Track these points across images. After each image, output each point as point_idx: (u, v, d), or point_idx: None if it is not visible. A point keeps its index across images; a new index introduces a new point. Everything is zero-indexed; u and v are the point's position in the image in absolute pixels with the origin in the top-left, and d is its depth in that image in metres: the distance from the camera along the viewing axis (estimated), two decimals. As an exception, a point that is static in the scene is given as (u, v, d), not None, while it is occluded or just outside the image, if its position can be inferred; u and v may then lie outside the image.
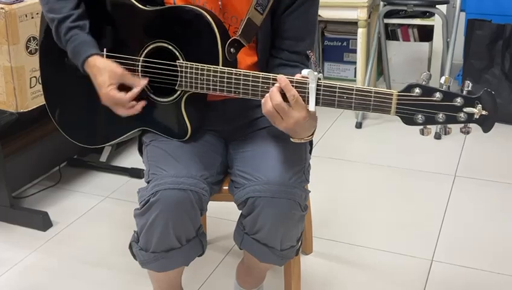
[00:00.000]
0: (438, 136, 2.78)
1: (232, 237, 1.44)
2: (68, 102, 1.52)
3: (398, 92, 1.13)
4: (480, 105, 1.09)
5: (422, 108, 1.12)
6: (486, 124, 1.11)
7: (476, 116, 1.10)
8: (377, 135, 2.90)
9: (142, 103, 1.36)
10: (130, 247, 1.39)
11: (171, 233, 1.27)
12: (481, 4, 3.13)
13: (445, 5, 3.07)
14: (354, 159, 2.67)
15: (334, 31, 3.52)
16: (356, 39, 3.08)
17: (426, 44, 3.35)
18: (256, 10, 1.31)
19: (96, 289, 1.86)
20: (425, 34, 3.37)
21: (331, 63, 3.54)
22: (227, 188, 1.42)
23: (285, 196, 1.28)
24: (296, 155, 1.37)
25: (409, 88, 1.12)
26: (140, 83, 1.34)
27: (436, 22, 3.21)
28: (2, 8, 1.92)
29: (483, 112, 1.09)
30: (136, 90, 1.33)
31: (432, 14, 3.21)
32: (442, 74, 3.16)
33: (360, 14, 2.95)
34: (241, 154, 1.40)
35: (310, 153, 1.49)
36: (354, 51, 3.29)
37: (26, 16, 1.97)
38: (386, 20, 3.24)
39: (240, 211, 1.36)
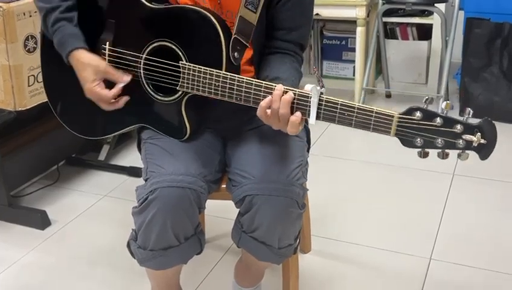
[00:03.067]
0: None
1: (230, 236, 1.44)
2: (69, 94, 1.51)
3: (399, 114, 1.14)
4: (479, 133, 1.10)
5: (422, 132, 1.12)
6: (483, 153, 1.12)
7: (475, 144, 1.11)
8: (375, 133, 2.89)
9: (125, 99, 1.36)
10: (128, 245, 1.39)
11: (169, 231, 1.27)
12: (480, 3, 3.13)
13: (444, 4, 3.07)
14: (353, 158, 2.67)
15: (332, 29, 3.52)
16: (355, 38, 3.09)
17: (425, 43, 3.35)
18: (247, 8, 1.31)
19: (95, 287, 1.86)
20: (424, 32, 3.37)
21: (329, 62, 3.54)
22: (225, 186, 1.42)
23: (283, 193, 1.28)
24: (294, 153, 1.37)
25: (410, 111, 1.13)
26: (123, 78, 1.34)
27: (435, 20, 3.21)
28: (0, 7, 1.92)
29: (482, 141, 1.10)
30: (119, 87, 1.34)
31: (430, 13, 3.21)
32: (440, 73, 3.16)
33: (359, 13, 2.96)
34: (238, 152, 1.40)
35: (308, 151, 1.49)
36: (353, 50, 3.30)
37: (24, 14, 1.97)
38: (385, 19, 3.24)
39: (238, 210, 1.36)
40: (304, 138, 1.46)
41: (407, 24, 3.37)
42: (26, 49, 2.01)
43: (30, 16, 1.99)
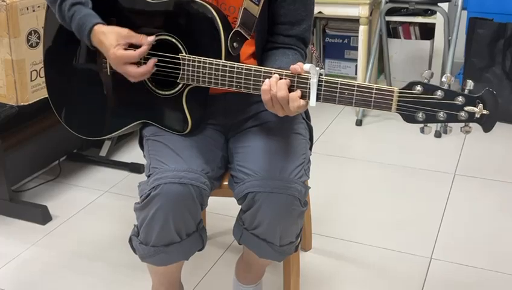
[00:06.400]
0: (438, 135, 2.78)
1: (231, 233, 1.44)
2: (70, 94, 1.52)
3: (400, 89, 1.13)
4: (481, 104, 1.09)
5: (423, 106, 1.12)
6: (487, 124, 1.10)
7: (477, 116, 1.10)
8: (377, 132, 2.90)
9: (154, 60, 1.32)
10: (130, 241, 1.39)
11: (171, 227, 1.27)
12: (483, 3, 3.12)
13: (447, 3, 3.06)
14: (354, 157, 2.67)
15: (335, 28, 3.51)
16: (357, 36, 3.08)
17: (427, 42, 3.35)
18: (251, 1, 1.32)
19: (95, 283, 1.86)
20: (427, 32, 3.37)
21: (332, 60, 3.54)
22: (227, 183, 1.42)
23: (285, 191, 1.28)
24: (296, 151, 1.37)
25: (411, 85, 1.12)
26: (147, 39, 1.31)
27: (438, 20, 3.20)
28: (3, 1, 1.91)
29: (484, 112, 1.09)
30: (144, 48, 1.30)
31: (433, 12, 3.21)
32: (443, 73, 3.15)
33: (362, 12, 2.95)
34: (241, 149, 1.40)
35: (310, 149, 1.49)
36: (355, 48, 3.29)
37: (27, 8, 1.97)
38: (388, 18, 3.24)
39: (239, 207, 1.36)
40: (306, 136, 1.46)
41: (410, 23, 3.36)
42: (29, 43, 2.00)
43: (33, 11, 1.99)
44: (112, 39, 1.30)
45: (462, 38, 3.16)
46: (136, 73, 1.31)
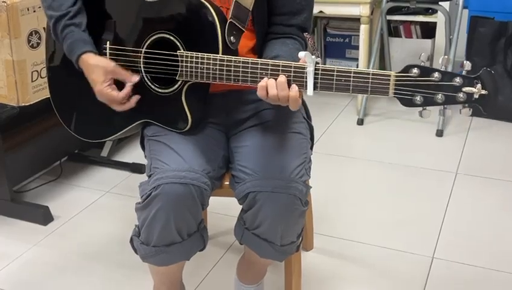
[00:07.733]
0: (439, 134, 2.77)
1: (232, 233, 1.44)
2: (72, 98, 1.52)
3: (396, 72, 1.13)
4: (479, 84, 1.08)
5: (420, 88, 1.11)
6: (486, 104, 1.09)
7: (476, 96, 1.09)
8: (378, 131, 2.89)
9: (136, 97, 1.37)
10: (131, 241, 1.39)
11: (172, 227, 1.27)
12: (484, 1, 3.12)
13: (448, 2, 3.06)
14: (356, 156, 2.67)
15: (336, 27, 3.51)
16: (358, 36, 3.08)
17: (429, 41, 3.34)
18: None
19: (97, 283, 1.86)
20: (428, 31, 3.36)
21: (333, 60, 3.53)
22: (228, 183, 1.42)
23: (286, 190, 1.28)
24: (297, 150, 1.36)
25: (407, 68, 1.12)
26: (131, 78, 1.35)
27: (439, 19, 3.20)
28: (3, 2, 1.91)
29: (483, 92, 1.08)
30: (128, 89, 1.35)
31: (434, 11, 3.20)
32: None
33: (363, 11, 2.95)
34: (241, 148, 1.40)
35: (311, 149, 1.48)
36: (356, 48, 3.29)
37: (28, 9, 1.97)
38: (389, 17, 3.24)
39: (240, 206, 1.36)
40: (307, 135, 1.46)
41: (411, 22, 3.36)
42: (30, 44, 2.00)
43: (34, 11, 1.99)
44: (98, 74, 1.35)
45: (464, 37, 3.15)
46: (119, 109, 1.38)
